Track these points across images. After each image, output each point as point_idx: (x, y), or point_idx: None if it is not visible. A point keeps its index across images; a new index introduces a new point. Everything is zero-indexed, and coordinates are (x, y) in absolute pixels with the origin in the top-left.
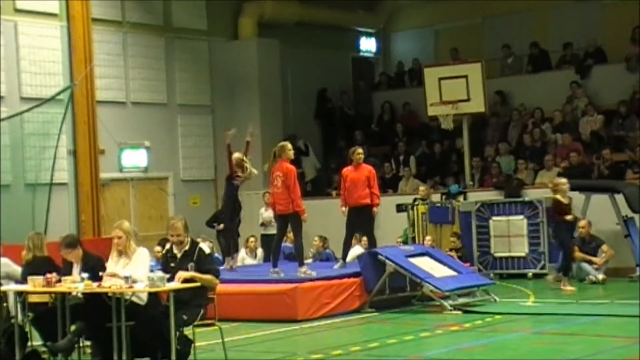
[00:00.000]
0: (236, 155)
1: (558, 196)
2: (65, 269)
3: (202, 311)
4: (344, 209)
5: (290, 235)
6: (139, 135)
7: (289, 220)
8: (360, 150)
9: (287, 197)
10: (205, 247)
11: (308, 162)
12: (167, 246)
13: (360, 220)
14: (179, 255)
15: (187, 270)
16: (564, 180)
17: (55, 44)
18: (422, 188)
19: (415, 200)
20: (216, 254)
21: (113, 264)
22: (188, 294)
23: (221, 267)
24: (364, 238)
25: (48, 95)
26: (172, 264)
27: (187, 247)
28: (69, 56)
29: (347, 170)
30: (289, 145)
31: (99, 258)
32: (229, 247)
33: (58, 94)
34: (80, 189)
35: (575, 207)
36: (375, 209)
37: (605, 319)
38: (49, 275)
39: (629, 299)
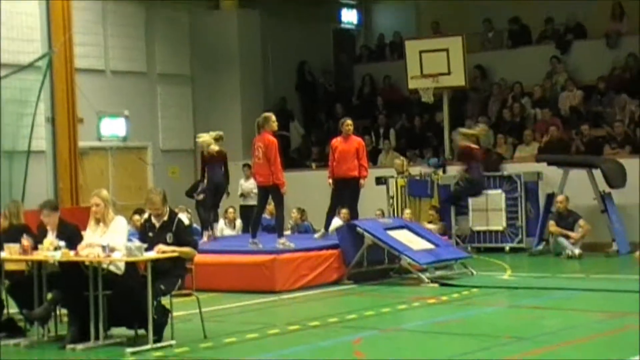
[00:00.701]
0: (206, 138)
1: None
2: (40, 236)
3: (179, 281)
4: (330, 180)
5: (269, 207)
6: (118, 104)
7: (270, 192)
8: (349, 121)
9: (268, 169)
10: (184, 218)
11: (293, 127)
12: (146, 215)
13: (347, 193)
14: (157, 226)
15: (165, 240)
16: None
17: (33, 9)
18: (397, 161)
19: (399, 173)
20: (195, 225)
21: (91, 232)
22: (166, 264)
23: (200, 241)
24: (344, 210)
25: (26, 62)
26: (151, 234)
27: (165, 218)
28: (47, 23)
29: (337, 142)
30: (273, 117)
31: (75, 226)
32: (208, 219)
33: (36, 60)
34: (58, 158)
35: (553, 182)
36: (362, 181)
37: (580, 294)
38: (25, 243)
39: (604, 274)
